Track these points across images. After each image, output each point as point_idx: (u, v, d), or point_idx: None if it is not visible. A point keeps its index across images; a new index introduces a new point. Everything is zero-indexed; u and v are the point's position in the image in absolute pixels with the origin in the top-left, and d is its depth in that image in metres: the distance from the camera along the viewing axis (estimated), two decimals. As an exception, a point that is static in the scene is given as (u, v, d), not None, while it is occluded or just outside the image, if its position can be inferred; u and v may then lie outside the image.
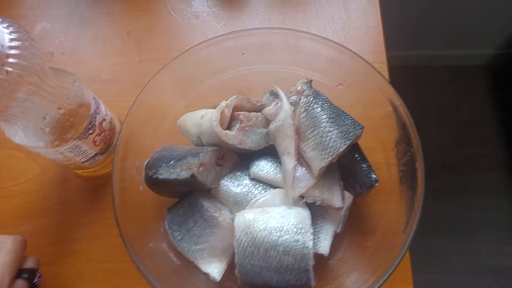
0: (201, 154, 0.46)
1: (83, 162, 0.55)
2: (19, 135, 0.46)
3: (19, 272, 0.44)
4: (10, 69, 0.37)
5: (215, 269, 0.47)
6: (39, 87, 0.42)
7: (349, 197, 0.51)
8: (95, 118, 0.51)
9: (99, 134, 0.53)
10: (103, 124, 0.54)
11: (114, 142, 0.58)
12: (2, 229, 0.59)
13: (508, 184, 1.54)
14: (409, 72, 1.69)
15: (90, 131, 0.51)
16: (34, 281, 0.45)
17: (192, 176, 0.45)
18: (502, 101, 1.66)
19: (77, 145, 0.50)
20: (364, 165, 0.50)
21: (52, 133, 0.46)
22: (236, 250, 0.44)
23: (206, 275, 0.47)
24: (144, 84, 0.53)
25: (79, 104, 0.48)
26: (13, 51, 0.37)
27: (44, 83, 0.42)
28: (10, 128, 0.46)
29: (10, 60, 0.37)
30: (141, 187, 0.50)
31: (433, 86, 1.71)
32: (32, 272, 0.45)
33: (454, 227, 1.49)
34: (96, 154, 0.55)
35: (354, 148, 0.51)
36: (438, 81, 1.72)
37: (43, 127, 0.45)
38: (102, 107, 0.54)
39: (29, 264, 0.46)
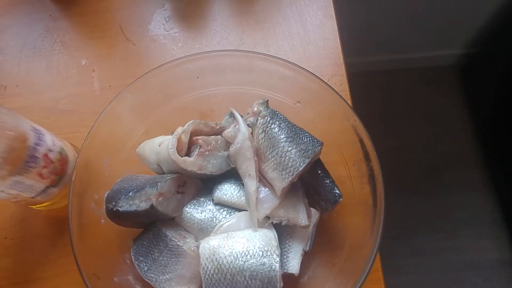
0: (159, 184, 0.46)
1: (33, 197, 0.52)
2: None
3: None
4: None
5: (184, 299, 0.46)
6: None
7: (315, 214, 0.51)
8: (36, 149, 0.49)
9: (45, 167, 0.50)
10: (50, 156, 0.51)
11: (68, 173, 0.56)
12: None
13: (484, 180, 1.58)
14: (378, 77, 1.72)
15: (32, 165, 0.48)
16: None
17: (152, 207, 0.45)
18: (472, 99, 1.70)
19: (18, 181, 0.48)
20: (327, 181, 0.51)
21: None
22: (203, 278, 0.44)
23: (175, 306, 0.46)
24: (98, 116, 0.52)
25: (11, 139, 0.45)
26: None
27: None
28: None
29: None
30: (102, 220, 0.49)
31: (404, 89, 1.75)
32: None
33: (435, 226, 1.52)
34: (47, 187, 0.53)
35: (316, 164, 0.52)
36: (407, 84, 1.76)
37: None
38: (48, 137, 0.52)
39: None
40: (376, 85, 1.69)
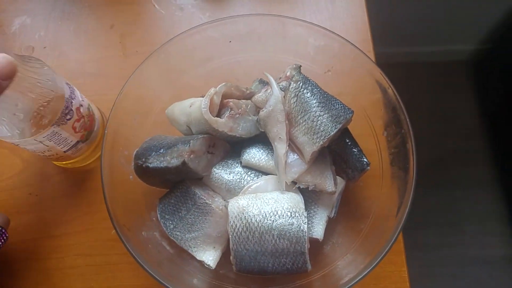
0: (191, 141, 0.46)
1: (65, 152, 0.53)
2: None
3: None
4: None
5: (209, 257, 0.46)
6: None
7: (341, 182, 0.51)
8: (71, 103, 0.50)
9: (78, 120, 0.52)
10: (81, 110, 0.52)
11: (95, 129, 0.57)
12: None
13: (491, 177, 1.57)
14: (390, 69, 1.70)
15: (68, 117, 0.49)
16: None
17: (183, 163, 0.45)
18: (484, 95, 1.68)
19: (56, 132, 0.49)
20: (355, 150, 0.51)
21: (26, 120, 0.45)
22: (230, 236, 0.44)
23: (201, 263, 0.46)
24: (129, 77, 0.52)
25: (52, 89, 0.46)
26: None
27: None
28: None
29: None
30: (131, 176, 0.50)
31: (412, 83, 1.73)
32: None
33: (440, 220, 1.51)
34: (78, 142, 0.54)
35: (344, 133, 0.51)
36: (416, 78, 1.74)
37: (16, 113, 0.43)
38: (78, 93, 0.53)
39: None
40: (388, 77, 1.67)
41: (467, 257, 1.45)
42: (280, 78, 0.49)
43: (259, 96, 0.51)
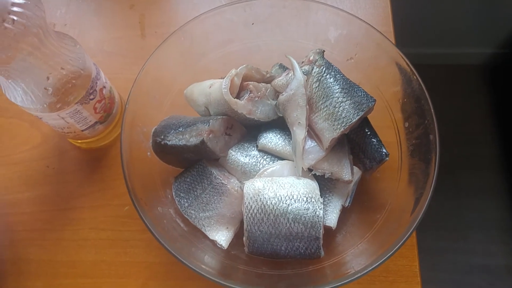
0: (211, 121, 0.46)
1: (82, 130, 0.54)
2: (20, 96, 0.45)
3: None
4: (15, 18, 0.37)
5: (222, 237, 0.46)
6: (43, 43, 0.41)
7: (358, 172, 0.51)
8: (96, 83, 0.51)
9: (99, 101, 0.52)
10: (104, 91, 0.53)
11: (113, 112, 0.57)
12: (8, 194, 0.59)
13: (498, 185, 1.54)
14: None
15: (91, 96, 0.50)
16: None
17: (202, 142, 0.45)
18: (498, 101, 1.65)
19: (78, 110, 0.50)
20: (374, 140, 0.50)
21: (54, 95, 0.45)
22: (245, 217, 0.44)
23: (213, 242, 0.46)
24: (147, 57, 0.52)
25: (81, 67, 0.47)
26: (18, 1, 0.37)
27: (47, 41, 0.42)
28: (11, 89, 0.45)
29: (15, 9, 0.37)
30: (148, 153, 0.50)
31: (426, 84, 1.70)
32: None
33: (444, 226, 1.49)
34: (96, 123, 0.54)
35: (364, 123, 0.51)
36: (432, 79, 1.71)
37: (46, 88, 0.44)
38: (102, 75, 0.54)
39: None
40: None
41: (469, 264, 1.44)
42: (303, 62, 0.49)
43: (280, 80, 0.50)
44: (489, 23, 1.49)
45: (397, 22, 0.69)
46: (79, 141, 0.59)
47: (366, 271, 0.41)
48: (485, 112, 1.65)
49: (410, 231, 0.43)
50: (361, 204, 0.52)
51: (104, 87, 0.53)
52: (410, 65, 0.47)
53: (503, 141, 1.59)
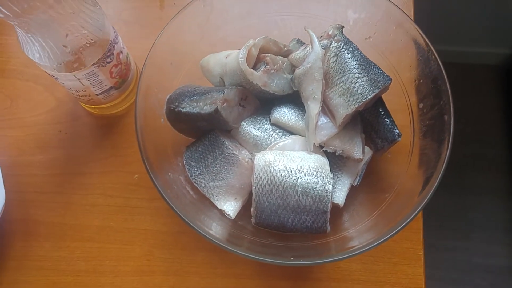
0: (226, 90, 0.46)
1: (97, 95, 0.54)
2: (38, 53, 0.45)
3: None
4: None
5: (230, 207, 0.47)
6: None
7: (368, 152, 0.51)
8: (114, 47, 0.50)
9: (116, 65, 0.52)
10: (120, 56, 0.53)
11: (128, 79, 0.57)
12: (20, 156, 0.60)
13: (505, 187, 1.53)
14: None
15: (108, 59, 0.50)
16: None
17: (216, 110, 0.45)
18: (510, 103, 1.63)
19: (95, 73, 0.50)
20: (387, 120, 0.50)
21: (72, 54, 0.45)
22: (254, 188, 0.44)
23: (221, 212, 0.47)
24: (166, 24, 0.51)
25: (100, 29, 0.47)
26: None
27: None
28: (30, 44, 0.45)
29: None
30: (162, 120, 0.50)
31: None
32: None
33: (448, 225, 1.49)
34: (111, 88, 0.54)
35: (378, 102, 0.50)
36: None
37: (65, 45, 0.44)
38: (120, 39, 0.54)
39: None
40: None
41: (470, 263, 1.43)
42: (321, 36, 0.48)
43: (297, 54, 0.50)
44: (507, 24, 1.46)
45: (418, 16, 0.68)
46: (93, 106, 0.59)
47: (370, 246, 0.41)
48: (496, 112, 1.63)
49: (417, 210, 0.42)
50: (369, 184, 0.52)
51: (121, 52, 0.53)
52: (430, 44, 0.46)
53: (510, 142, 1.57)
